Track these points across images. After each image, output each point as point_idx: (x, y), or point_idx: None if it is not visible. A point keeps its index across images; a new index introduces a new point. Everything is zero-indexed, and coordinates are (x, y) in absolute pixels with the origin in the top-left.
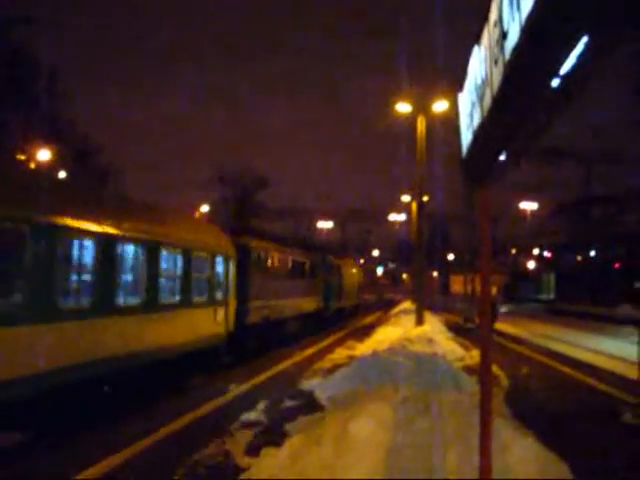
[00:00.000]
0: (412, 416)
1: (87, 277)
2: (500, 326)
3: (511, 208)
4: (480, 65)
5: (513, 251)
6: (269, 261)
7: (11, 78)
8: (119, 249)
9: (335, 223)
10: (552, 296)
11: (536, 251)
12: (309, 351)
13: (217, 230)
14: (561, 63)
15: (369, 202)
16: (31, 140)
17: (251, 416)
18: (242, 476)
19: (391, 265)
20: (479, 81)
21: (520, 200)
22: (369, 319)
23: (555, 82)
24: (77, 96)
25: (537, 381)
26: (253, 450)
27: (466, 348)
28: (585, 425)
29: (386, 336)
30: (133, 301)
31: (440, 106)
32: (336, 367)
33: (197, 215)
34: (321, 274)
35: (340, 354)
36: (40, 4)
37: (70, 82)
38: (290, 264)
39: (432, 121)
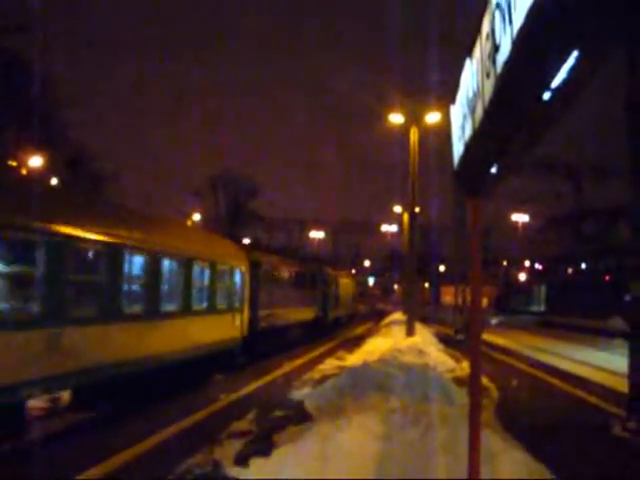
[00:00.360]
0: (401, 427)
1: (141, 288)
2: (490, 338)
3: (503, 220)
4: (472, 78)
5: (504, 263)
6: (275, 274)
7: (3, 85)
8: (164, 265)
9: (326, 233)
10: (543, 308)
11: (527, 263)
12: (299, 361)
13: (234, 246)
14: (552, 76)
15: (361, 212)
16: (23, 146)
17: (241, 425)
18: None
19: (382, 276)
20: (471, 94)
21: (512, 212)
22: (360, 330)
23: (546, 95)
24: (69, 102)
25: (527, 393)
26: (242, 459)
27: (457, 359)
28: (575, 438)
29: (376, 347)
30: (173, 307)
31: (433, 117)
32: (326, 378)
33: (189, 223)
34: (320, 285)
35: (330, 364)
36: (31, 10)
37: (63, 88)
38: (293, 276)
39: (425, 132)
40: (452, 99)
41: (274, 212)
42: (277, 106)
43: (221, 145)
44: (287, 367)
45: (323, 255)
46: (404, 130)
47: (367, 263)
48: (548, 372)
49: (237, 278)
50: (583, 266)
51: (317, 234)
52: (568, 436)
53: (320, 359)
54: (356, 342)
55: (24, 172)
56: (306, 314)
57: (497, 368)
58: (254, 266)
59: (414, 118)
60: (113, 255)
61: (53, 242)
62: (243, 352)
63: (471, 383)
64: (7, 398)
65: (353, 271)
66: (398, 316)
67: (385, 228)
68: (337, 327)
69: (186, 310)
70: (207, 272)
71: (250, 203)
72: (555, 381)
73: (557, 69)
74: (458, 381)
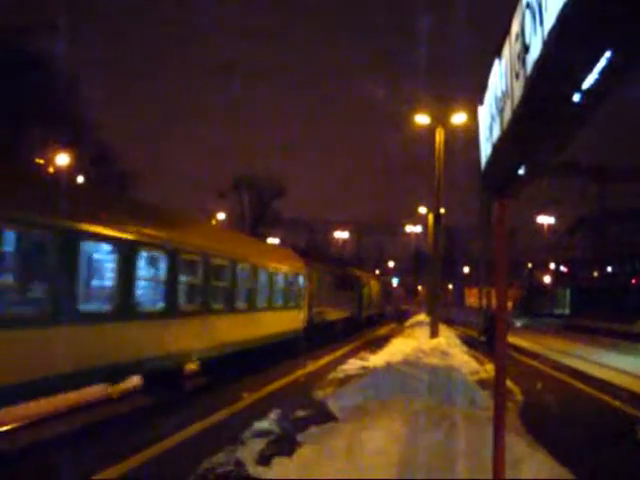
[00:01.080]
0: (425, 429)
1: (246, 290)
2: (515, 340)
3: (528, 222)
4: (501, 78)
5: (529, 265)
6: (324, 278)
7: (29, 84)
8: (260, 274)
9: (351, 234)
10: (567, 311)
11: (552, 265)
12: (322, 362)
13: (297, 256)
14: (583, 77)
15: (385, 213)
16: (49, 145)
17: (263, 425)
18: None
19: (406, 277)
20: (499, 94)
21: (537, 214)
22: (383, 330)
23: (577, 97)
24: (96, 101)
25: (551, 396)
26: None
27: (480, 362)
28: (598, 442)
29: (400, 348)
30: (263, 304)
31: (459, 118)
32: (349, 378)
33: (213, 222)
34: (355, 287)
35: (353, 365)
36: (59, 10)
37: (90, 87)
38: (336, 280)
39: (451, 133)
40: (480, 100)
41: (298, 212)
42: (302, 106)
43: (247, 145)
44: (311, 367)
45: (347, 256)
46: (430, 131)
47: (391, 264)
48: (572, 375)
49: (300, 282)
50: (609, 269)
51: (341, 234)
52: (592, 440)
53: (343, 359)
54: (379, 343)
55: (51, 170)
56: (346, 312)
57: (521, 371)
58: (309, 272)
59: (440, 119)
60: (233, 269)
61: (229, 267)
62: (304, 340)
63: (496, 385)
64: (183, 360)
65: (377, 272)
66: (422, 317)
67: (409, 229)
68: (369, 324)
69: (271, 306)
70: (283, 278)
71: (274, 203)
72: (579, 385)
73: (589, 70)
74: (482, 383)
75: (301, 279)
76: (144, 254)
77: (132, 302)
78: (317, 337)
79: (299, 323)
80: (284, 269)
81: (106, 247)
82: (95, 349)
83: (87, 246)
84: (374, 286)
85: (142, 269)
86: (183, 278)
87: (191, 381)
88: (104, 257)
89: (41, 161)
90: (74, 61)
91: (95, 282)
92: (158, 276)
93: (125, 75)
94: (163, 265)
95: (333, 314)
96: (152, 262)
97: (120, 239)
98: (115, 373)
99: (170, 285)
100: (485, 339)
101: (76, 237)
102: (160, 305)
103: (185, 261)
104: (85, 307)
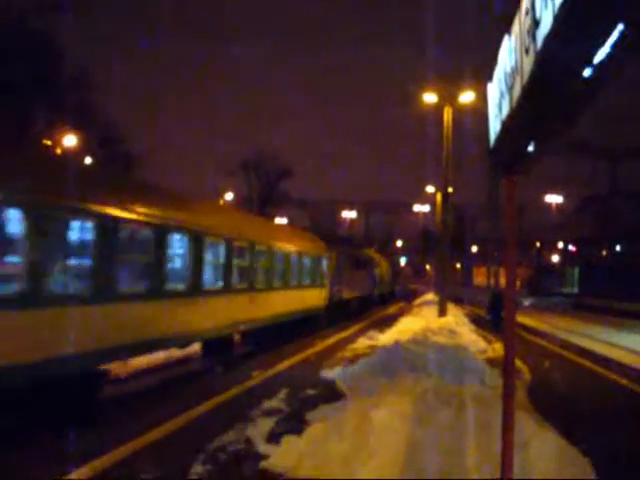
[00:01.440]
0: (433, 408)
1: (283, 271)
2: (523, 319)
3: (536, 201)
4: (510, 55)
5: (537, 244)
6: (342, 259)
7: (37, 66)
8: (290, 257)
9: (358, 213)
10: (576, 290)
11: (560, 244)
12: (331, 340)
13: (320, 241)
14: (595, 52)
15: (393, 192)
16: (57, 126)
17: (272, 404)
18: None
19: (414, 257)
20: (509, 70)
21: (545, 193)
22: (392, 309)
23: (587, 72)
24: (102, 81)
25: (559, 375)
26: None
27: (488, 341)
28: (607, 420)
29: (408, 327)
30: (295, 282)
31: (467, 97)
32: (358, 357)
33: (221, 202)
34: (368, 267)
35: (362, 344)
36: None
37: (97, 67)
38: (353, 261)
39: (459, 112)
40: (489, 77)
41: (306, 192)
42: (309, 85)
43: (254, 126)
44: (319, 346)
45: (355, 235)
46: (438, 109)
47: (399, 243)
48: (580, 354)
49: (323, 264)
50: (617, 248)
51: (349, 214)
52: (600, 418)
53: (352, 338)
54: (388, 322)
55: (59, 151)
56: (361, 291)
57: (529, 350)
58: (330, 255)
59: (448, 97)
60: (272, 254)
61: (268, 251)
62: (325, 316)
63: (505, 364)
64: (233, 330)
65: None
66: (430, 296)
67: (417, 208)
68: (381, 302)
69: (300, 285)
70: (310, 261)
71: (282, 183)
72: (587, 363)
73: (600, 44)
74: (490, 362)
75: (324, 261)
76: (209, 243)
77: (200, 282)
78: (335, 313)
79: (322, 301)
80: (311, 253)
81: (186, 240)
82: (174, 321)
83: (180, 240)
84: (384, 266)
85: (208, 255)
86: (235, 262)
87: (237, 348)
88: (183, 248)
89: (48, 142)
90: (80, 41)
91: (175, 267)
92: (218, 260)
93: (132, 55)
94: (222, 251)
95: (350, 293)
96: (214, 249)
97: (197, 232)
98: (185, 339)
99: (226, 267)
100: (490, 317)
101: (165, 230)
102: (219, 284)
103: (237, 248)
104: (169, 287)
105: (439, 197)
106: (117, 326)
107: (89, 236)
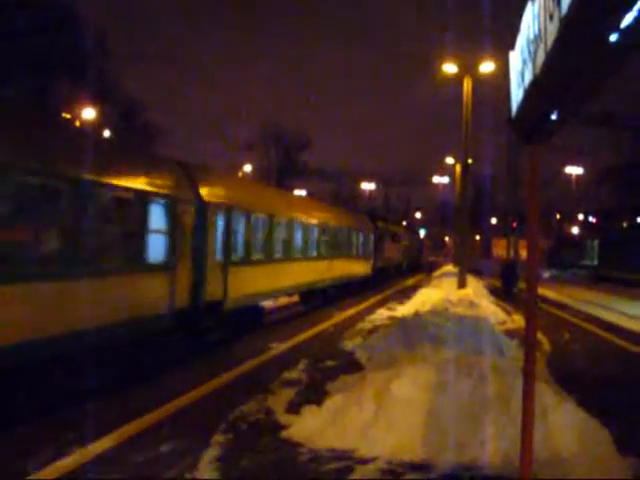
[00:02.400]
0: (453, 378)
1: (339, 243)
2: (543, 291)
3: (556, 173)
4: (533, 21)
5: (557, 216)
6: (381, 234)
7: (56, 39)
8: (349, 232)
9: (378, 184)
10: (596, 262)
11: (581, 216)
12: (350, 312)
13: (366, 217)
14: (622, 15)
15: (413, 164)
16: (76, 99)
17: (292, 374)
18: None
19: (433, 228)
20: (532, 37)
21: (565, 165)
22: (411, 281)
23: (613, 37)
24: (122, 55)
25: (579, 346)
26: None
27: (508, 312)
28: (627, 392)
29: (428, 298)
30: (353, 253)
31: (487, 67)
32: (377, 328)
33: (240, 175)
34: (402, 239)
35: (381, 315)
36: None
37: (116, 41)
38: (389, 235)
39: (479, 84)
40: (511, 45)
41: (325, 163)
42: (328, 57)
43: (273, 98)
44: (338, 317)
45: (375, 206)
46: (459, 80)
47: (418, 215)
48: (600, 326)
49: (370, 238)
50: (639, 220)
51: (368, 186)
52: (620, 390)
53: (371, 309)
54: (407, 293)
55: (78, 124)
56: (396, 260)
57: (549, 321)
58: (374, 229)
59: (468, 68)
60: (337, 230)
61: (337, 229)
62: (372, 279)
63: (526, 335)
64: (319, 285)
65: (404, 223)
66: (449, 268)
67: (437, 180)
68: (409, 271)
69: (351, 255)
70: (362, 236)
71: (301, 155)
72: (608, 335)
73: (628, 7)
74: (509, 333)
75: (371, 236)
76: (309, 227)
77: (306, 251)
78: (379, 278)
79: (368, 269)
80: (362, 229)
81: (301, 226)
82: (289, 278)
83: (298, 225)
84: (410, 239)
85: (310, 234)
86: (323, 238)
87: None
88: (298, 230)
89: (68, 116)
90: (101, 15)
91: (296, 242)
92: (313, 237)
93: (153, 28)
94: (315, 232)
95: (386, 262)
96: (311, 230)
97: (307, 221)
98: (289, 292)
99: (318, 240)
100: (503, 287)
101: (293, 221)
102: (314, 253)
103: (322, 229)
104: (293, 254)
105: (458, 168)
106: (269, 279)
107: (262, 226)
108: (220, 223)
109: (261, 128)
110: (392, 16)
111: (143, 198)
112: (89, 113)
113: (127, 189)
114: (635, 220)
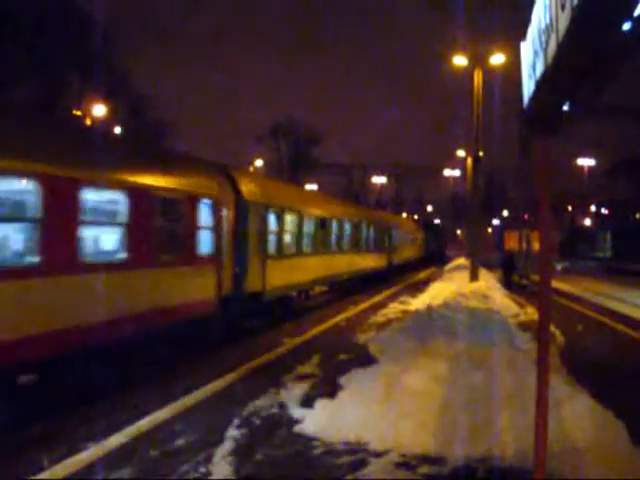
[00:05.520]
0: (465, 371)
1: (371, 239)
2: (555, 284)
3: (568, 164)
4: (545, 11)
5: (569, 208)
6: (402, 230)
7: (66, 36)
8: (365, 228)
9: (388, 178)
10: (608, 254)
11: (593, 208)
12: (363, 305)
13: (381, 213)
14: (635, 4)
15: (424, 157)
16: (86, 96)
17: (306, 368)
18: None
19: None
20: (543, 28)
21: (577, 156)
22: (423, 274)
23: (627, 25)
24: (132, 51)
25: (592, 339)
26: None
27: (521, 305)
28: None
29: (440, 291)
30: (372, 248)
31: (497, 59)
32: (390, 321)
33: (251, 169)
34: (420, 234)
35: (394, 308)
36: None
37: (124, 36)
38: (408, 230)
39: (490, 76)
40: (522, 36)
41: (336, 158)
42: (340, 50)
43: (284, 92)
44: (352, 311)
45: (386, 200)
46: (469, 72)
47: (430, 208)
48: (613, 318)
49: (391, 234)
50: None
51: (379, 179)
52: (634, 382)
53: (384, 303)
54: (419, 287)
55: (88, 121)
56: (415, 255)
57: (562, 314)
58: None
59: (478, 60)
60: (369, 228)
61: (367, 227)
62: (386, 274)
63: (540, 327)
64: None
65: (415, 216)
66: (461, 261)
67: (448, 173)
68: (429, 262)
69: (364, 250)
70: (370, 229)
71: (312, 149)
72: (621, 327)
73: None
74: (522, 326)
75: (389, 233)
76: (346, 225)
77: (341, 245)
78: (395, 273)
79: (383, 263)
80: (386, 227)
81: (344, 224)
82: (319, 270)
83: (340, 224)
84: (431, 234)
85: (345, 230)
86: (361, 234)
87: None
88: (340, 229)
89: (78, 113)
90: (110, 13)
91: (336, 238)
92: (347, 233)
93: (160, 24)
94: (349, 229)
95: (406, 256)
96: (345, 227)
97: (344, 220)
98: (318, 283)
99: (348, 237)
100: (504, 278)
101: (341, 221)
102: (346, 247)
103: (355, 226)
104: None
105: (470, 161)
106: (300, 272)
107: (293, 223)
108: (258, 220)
109: (273, 121)
110: (404, 9)
111: (195, 199)
112: (99, 110)
113: (181, 192)
114: None
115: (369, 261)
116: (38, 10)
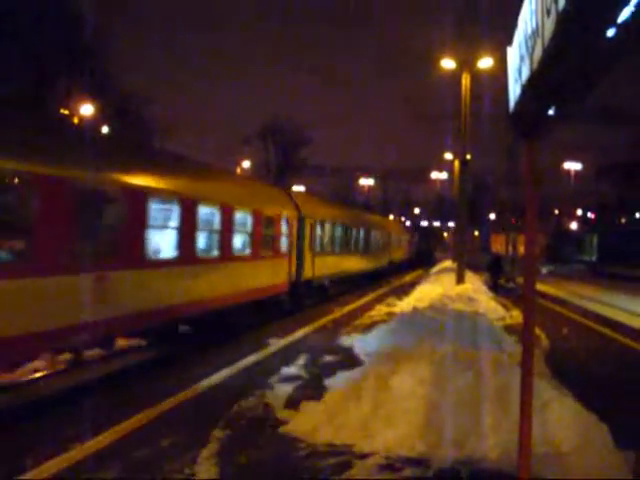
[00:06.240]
0: (451, 373)
1: (374, 243)
2: (541, 287)
3: (554, 168)
4: (531, 16)
5: (555, 212)
6: (401, 236)
7: (53, 35)
8: (385, 235)
9: (376, 180)
10: (594, 257)
11: (579, 212)
12: (349, 308)
13: (399, 223)
14: (619, 10)
15: (410, 160)
16: (74, 95)
17: (291, 370)
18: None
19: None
20: (529, 33)
21: (563, 160)
22: (409, 277)
23: (611, 32)
24: (121, 51)
25: (577, 342)
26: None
27: (507, 308)
28: (625, 386)
29: (426, 294)
30: (378, 251)
31: (485, 62)
32: (376, 323)
33: (238, 171)
34: (411, 237)
35: (379, 311)
36: None
37: (112, 37)
38: (403, 234)
39: (478, 80)
40: (509, 41)
41: (324, 160)
42: (327, 50)
43: (271, 94)
44: (337, 313)
45: (373, 202)
46: (456, 76)
47: (417, 211)
48: (599, 321)
49: (391, 237)
50: (637, 215)
51: (367, 181)
52: (618, 384)
53: (369, 305)
54: (405, 289)
55: (76, 121)
56: (408, 255)
57: (547, 317)
58: (389, 232)
59: (466, 64)
60: (385, 233)
61: (384, 233)
62: (386, 271)
63: (524, 330)
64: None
65: (402, 218)
66: (448, 264)
67: (435, 175)
68: (418, 263)
69: (377, 252)
70: (394, 235)
71: (300, 151)
72: (606, 331)
73: (625, 2)
74: (508, 329)
75: (403, 237)
76: (372, 231)
77: (362, 249)
78: (392, 270)
79: (385, 262)
80: (395, 232)
81: (363, 232)
82: (344, 266)
83: (363, 231)
84: (423, 236)
85: (372, 237)
86: (370, 238)
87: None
88: (361, 235)
89: (66, 111)
90: (99, 11)
91: (364, 242)
92: (361, 238)
93: (151, 25)
94: (362, 234)
95: (399, 257)
96: (369, 234)
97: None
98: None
99: (368, 242)
100: (490, 281)
101: (369, 229)
102: (361, 249)
103: (374, 232)
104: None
105: (457, 164)
106: (333, 266)
107: (329, 230)
108: (309, 229)
109: (260, 122)
110: (390, 13)
111: (279, 217)
112: (87, 109)
113: (274, 213)
114: (634, 215)
115: (376, 261)
116: (34, 9)
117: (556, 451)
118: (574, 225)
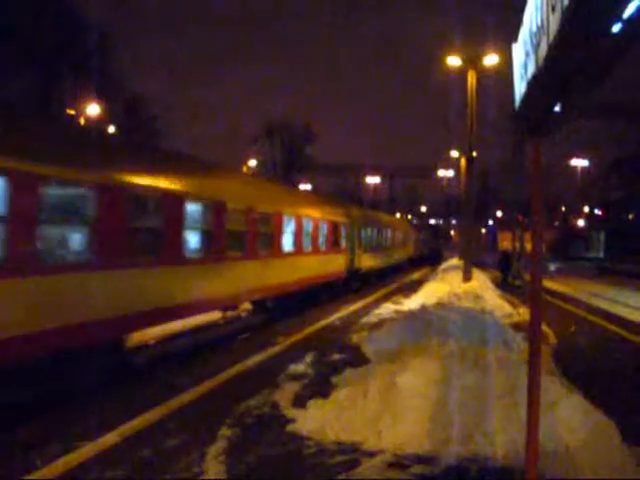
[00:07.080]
0: (459, 371)
1: (384, 242)
2: (548, 284)
3: (561, 165)
4: (536, 13)
5: (563, 209)
6: (414, 234)
7: (60, 35)
8: (398, 233)
9: (383, 178)
10: (602, 254)
11: (586, 209)
12: (355, 306)
13: (407, 223)
14: (624, 6)
15: (418, 157)
16: (80, 95)
17: (299, 367)
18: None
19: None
20: (534, 29)
21: (570, 157)
22: (416, 275)
23: (616, 27)
24: (123, 50)
25: (585, 339)
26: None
27: (514, 305)
28: (634, 385)
29: (433, 292)
30: (398, 245)
31: (491, 60)
32: (384, 321)
33: (244, 169)
34: (422, 235)
35: (387, 309)
36: None
37: (118, 35)
38: (418, 233)
39: (484, 77)
40: (514, 37)
41: (330, 157)
42: (333, 49)
43: (278, 92)
44: (344, 311)
45: (379, 200)
46: (462, 73)
47: (423, 209)
48: (607, 318)
49: (408, 235)
50: None
51: (373, 179)
52: (627, 383)
53: (376, 303)
54: (413, 287)
55: (82, 121)
56: (419, 252)
57: (555, 314)
58: (409, 230)
59: (472, 61)
60: (400, 233)
61: (400, 233)
62: (410, 262)
63: (531, 328)
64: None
65: (409, 216)
66: (455, 261)
67: (442, 173)
68: (428, 260)
69: (399, 247)
70: (403, 235)
71: (306, 149)
72: (614, 327)
73: None
74: (515, 327)
75: (411, 235)
76: (396, 232)
77: (382, 243)
78: (415, 262)
79: (406, 258)
80: (410, 231)
81: (383, 231)
82: (381, 260)
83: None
84: (427, 233)
85: (396, 235)
86: (395, 237)
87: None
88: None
89: (72, 112)
90: (105, 11)
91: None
92: (389, 236)
93: (157, 24)
94: (390, 232)
95: (416, 252)
96: (389, 233)
97: (382, 226)
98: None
99: (390, 240)
100: (501, 277)
101: (393, 230)
102: (381, 246)
103: (396, 232)
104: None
105: (463, 162)
106: (373, 260)
107: (369, 232)
108: (356, 231)
109: (266, 121)
110: (397, 11)
111: (338, 222)
112: (93, 109)
113: (337, 218)
114: None
115: (398, 256)
116: (36, 9)
117: (564, 449)
118: (581, 222)
